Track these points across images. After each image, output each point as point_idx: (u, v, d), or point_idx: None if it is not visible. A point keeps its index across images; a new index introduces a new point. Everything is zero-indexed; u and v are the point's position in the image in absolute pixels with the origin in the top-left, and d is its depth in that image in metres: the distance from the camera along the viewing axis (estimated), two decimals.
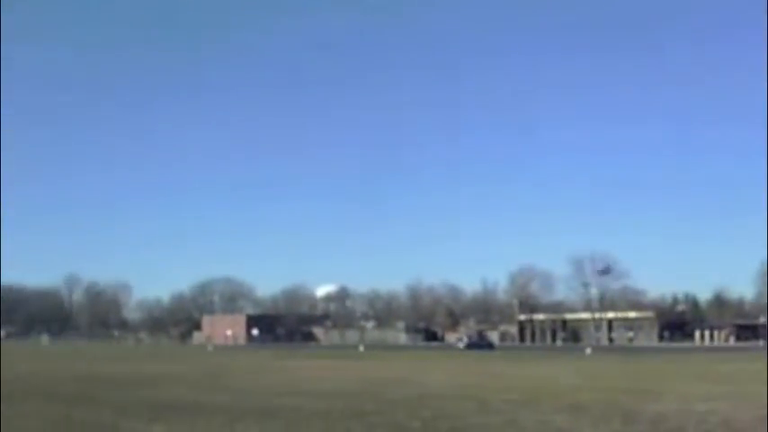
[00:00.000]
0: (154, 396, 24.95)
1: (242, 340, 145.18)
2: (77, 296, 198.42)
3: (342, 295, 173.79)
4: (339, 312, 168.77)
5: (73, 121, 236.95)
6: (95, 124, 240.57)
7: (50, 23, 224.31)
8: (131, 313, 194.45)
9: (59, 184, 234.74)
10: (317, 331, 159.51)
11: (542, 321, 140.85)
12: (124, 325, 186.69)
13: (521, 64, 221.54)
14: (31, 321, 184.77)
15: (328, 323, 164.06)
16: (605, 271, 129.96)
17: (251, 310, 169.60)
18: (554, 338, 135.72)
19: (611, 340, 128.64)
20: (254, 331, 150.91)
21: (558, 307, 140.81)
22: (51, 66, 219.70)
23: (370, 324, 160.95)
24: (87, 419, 17.88)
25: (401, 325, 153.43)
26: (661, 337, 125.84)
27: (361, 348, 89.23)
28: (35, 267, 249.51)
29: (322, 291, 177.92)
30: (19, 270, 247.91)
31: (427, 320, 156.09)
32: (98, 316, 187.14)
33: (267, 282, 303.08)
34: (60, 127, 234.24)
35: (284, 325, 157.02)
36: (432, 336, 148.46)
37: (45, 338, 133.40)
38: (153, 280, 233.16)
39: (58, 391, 26.78)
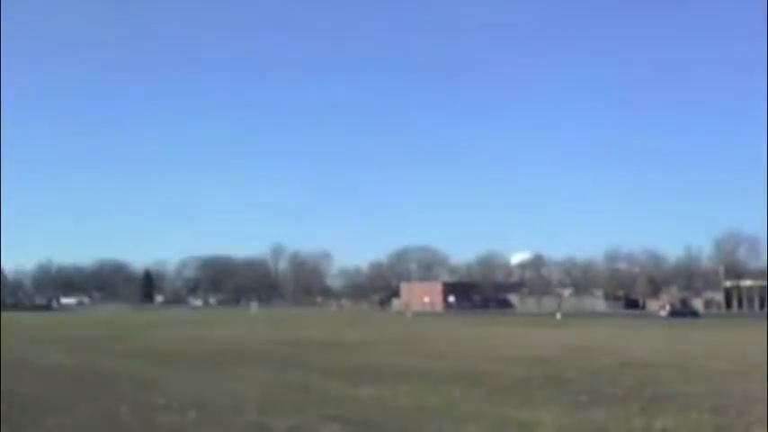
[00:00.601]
0: (359, 360, 25.74)
1: (439, 307, 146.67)
2: (282, 265, 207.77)
3: (537, 263, 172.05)
4: (534, 280, 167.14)
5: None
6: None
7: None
8: (333, 281, 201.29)
9: (266, 161, 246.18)
10: (513, 299, 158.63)
11: (750, 288, 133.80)
12: (326, 292, 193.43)
13: None
14: (240, 290, 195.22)
15: (524, 290, 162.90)
16: None
17: (446, 278, 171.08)
18: (762, 306, 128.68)
19: None
20: (451, 298, 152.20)
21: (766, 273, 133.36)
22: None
23: (566, 292, 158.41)
24: (297, 382, 18.66)
25: (599, 293, 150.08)
26: None
27: (559, 316, 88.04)
28: (243, 239, 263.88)
29: (517, 258, 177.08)
30: (229, 242, 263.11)
31: (626, 288, 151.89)
32: (302, 284, 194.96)
33: (462, 250, 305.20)
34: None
35: (480, 292, 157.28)
36: (632, 304, 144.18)
37: (254, 306, 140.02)
38: (353, 249, 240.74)
39: (268, 356, 28.11)
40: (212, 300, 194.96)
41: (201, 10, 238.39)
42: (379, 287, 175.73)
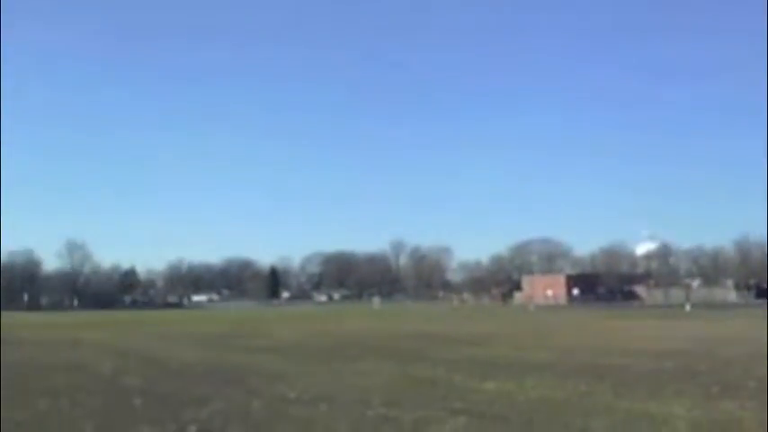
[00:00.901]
0: (482, 354, 25.77)
1: (562, 300, 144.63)
2: (403, 260, 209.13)
3: (663, 252, 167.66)
4: (661, 270, 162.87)
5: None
6: None
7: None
8: (453, 275, 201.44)
9: (384, 155, 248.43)
10: (639, 290, 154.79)
11: None
12: (447, 286, 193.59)
13: None
14: (362, 285, 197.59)
15: (650, 282, 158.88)
16: None
17: (569, 270, 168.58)
18: None
19: None
20: (575, 291, 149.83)
21: None
22: None
23: (695, 282, 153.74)
24: (423, 375, 18.86)
25: (730, 282, 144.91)
26: None
27: (688, 307, 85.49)
28: (365, 235, 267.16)
29: (642, 248, 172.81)
30: (350, 238, 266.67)
31: (759, 277, 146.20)
32: (423, 278, 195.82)
33: (585, 241, 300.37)
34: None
35: (604, 284, 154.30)
36: (764, 293, 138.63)
37: (376, 300, 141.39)
38: (473, 242, 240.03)
39: (393, 350, 28.43)
40: (336, 295, 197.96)
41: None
42: (500, 280, 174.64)
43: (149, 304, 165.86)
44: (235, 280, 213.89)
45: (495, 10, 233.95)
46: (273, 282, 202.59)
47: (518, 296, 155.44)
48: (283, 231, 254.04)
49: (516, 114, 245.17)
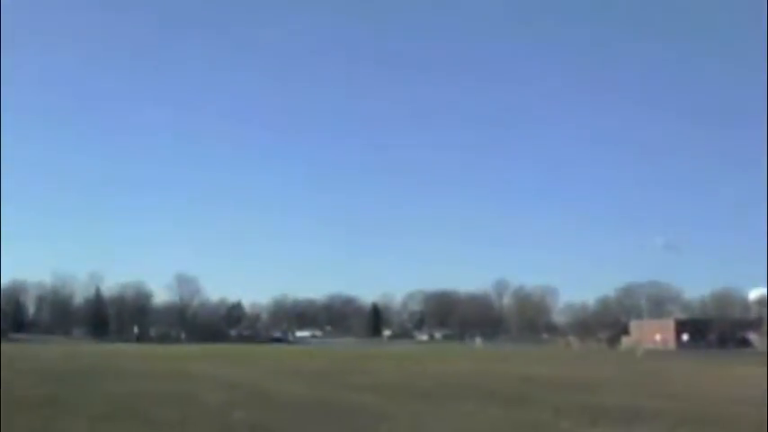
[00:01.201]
0: (589, 399, 25.27)
1: (671, 345, 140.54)
2: (506, 300, 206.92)
3: None
4: None
5: None
6: None
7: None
8: (558, 317, 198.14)
9: (488, 195, 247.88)
10: (752, 337, 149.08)
11: None
12: (552, 328, 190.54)
13: None
14: (464, 324, 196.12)
15: (764, 328, 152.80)
16: None
17: (679, 315, 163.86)
18: None
19: None
20: (684, 336, 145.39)
21: None
22: None
23: None
24: (528, 420, 18.67)
25: None
26: None
27: None
28: (467, 273, 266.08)
29: (755, 294, 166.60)
30: (452, 276, 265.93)
31: None
32: (526, 319, 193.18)
33: (695, 285, 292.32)
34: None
35: (715, 330, 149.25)
36: None
37: (478, 341, 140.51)
38: (579, 284, 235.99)
39: (496, 392, 28.16)
40: (437, 334, 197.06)
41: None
42: (607, 324, 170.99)
43: (254, 338, 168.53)
44: (337, 316, 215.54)
45: None
46: (375, 319, 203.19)
47: (625, 340, 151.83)
48: (386, 268, 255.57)
49: (628, 156, 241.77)
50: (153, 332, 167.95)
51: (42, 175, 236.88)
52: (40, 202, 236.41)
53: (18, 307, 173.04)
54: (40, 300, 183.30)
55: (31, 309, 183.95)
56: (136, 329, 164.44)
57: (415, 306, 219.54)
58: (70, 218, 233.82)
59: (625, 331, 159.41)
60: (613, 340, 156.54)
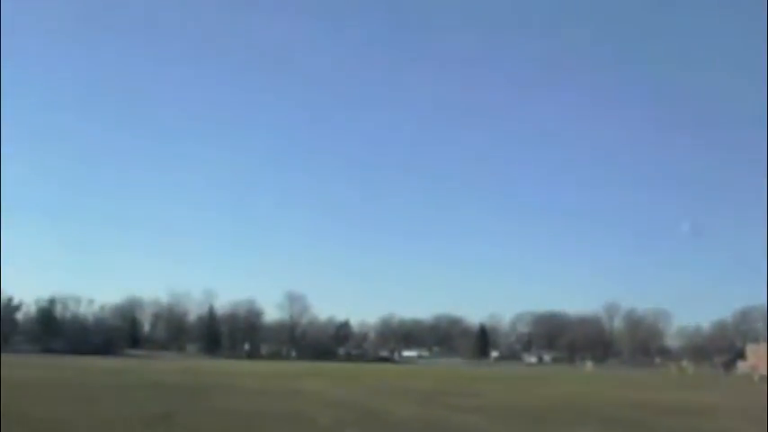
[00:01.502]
0: (707, 426, 24.66)
1: None
2: (618, 323, 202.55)
3: None
4: None
5: None
6: None
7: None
8: (671, 340, 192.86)
9: (590, 215, 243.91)
10: None
11: None
12: (665, 352, 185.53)
13: None
14: (573, 347, 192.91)
15: None
16: None
17: None
18: None
19: None
20: None
21: None
22: None
23: None
24: None
25: None
26: None
27: None
28: (577, 295, 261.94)
29: None
30: (561, 298, 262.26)
31: None
32: (638, 343, 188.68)
33: None
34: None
35: None
36: None
37: (588, 364, 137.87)
38: (693, 307, 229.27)
39: (609, 417, 27.73)
40: (546, 357, 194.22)
41: None
42: (722, 348, 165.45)
43: (362, 357, 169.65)
44: (444, 336, 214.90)
45: None
46: (482, 340, 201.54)
47: (741, 365, 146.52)
48: (494, 289, 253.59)
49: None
50: (263, 349, 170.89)
51: (158, 196, 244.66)
52: (156, 223, 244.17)
53: (134, 323, 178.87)
54: (156, 317, 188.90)
55: (146, 325, 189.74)
56: (247, 346, 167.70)
57: (524, 328, 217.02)
58: (185, 237, 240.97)
59: (741, 356, 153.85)
60: (729, 365, 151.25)
